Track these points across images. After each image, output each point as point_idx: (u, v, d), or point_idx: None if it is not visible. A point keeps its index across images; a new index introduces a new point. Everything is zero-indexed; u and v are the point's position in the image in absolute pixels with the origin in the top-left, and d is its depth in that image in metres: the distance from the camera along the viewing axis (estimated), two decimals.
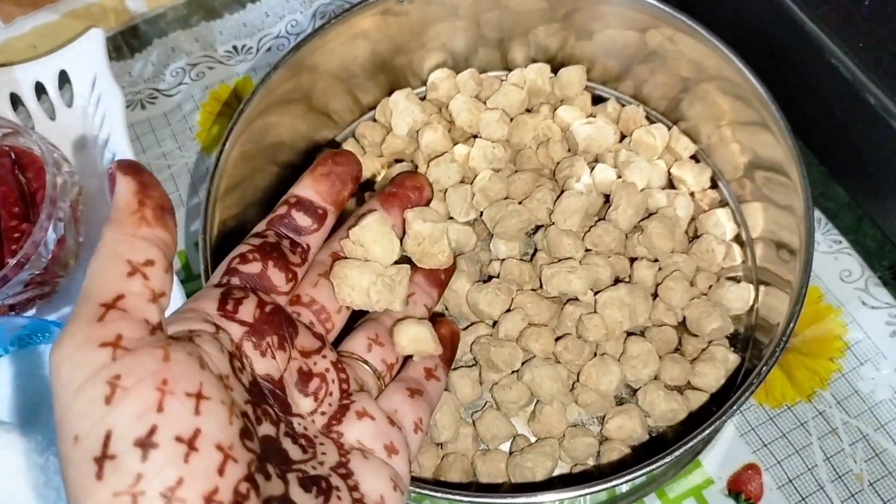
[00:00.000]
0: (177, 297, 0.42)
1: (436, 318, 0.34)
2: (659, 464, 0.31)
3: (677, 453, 0.32)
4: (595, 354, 0.41)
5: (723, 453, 0.40)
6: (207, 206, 0.40)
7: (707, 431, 0.32)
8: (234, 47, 0.55)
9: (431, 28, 0.48)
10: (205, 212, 0.40)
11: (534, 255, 0.45)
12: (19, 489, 0.38)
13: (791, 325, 0.34)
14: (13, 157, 0.47)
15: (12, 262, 0.42)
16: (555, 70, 0.49)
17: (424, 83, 0.50)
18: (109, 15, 0.55)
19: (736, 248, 0.44)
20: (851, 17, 0.40)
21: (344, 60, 0.47)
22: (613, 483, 0.31)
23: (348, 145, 0.49)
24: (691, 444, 0.32)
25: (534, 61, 0.50)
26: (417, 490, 0.32)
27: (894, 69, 0.39)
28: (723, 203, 0.46)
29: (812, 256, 0.35)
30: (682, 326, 0.42)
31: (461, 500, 0.32)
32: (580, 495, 0.31)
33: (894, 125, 0.39)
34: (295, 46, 0.44)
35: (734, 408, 0.32)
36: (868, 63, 0.40)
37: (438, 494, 0.32)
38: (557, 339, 0.41)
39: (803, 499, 0.39)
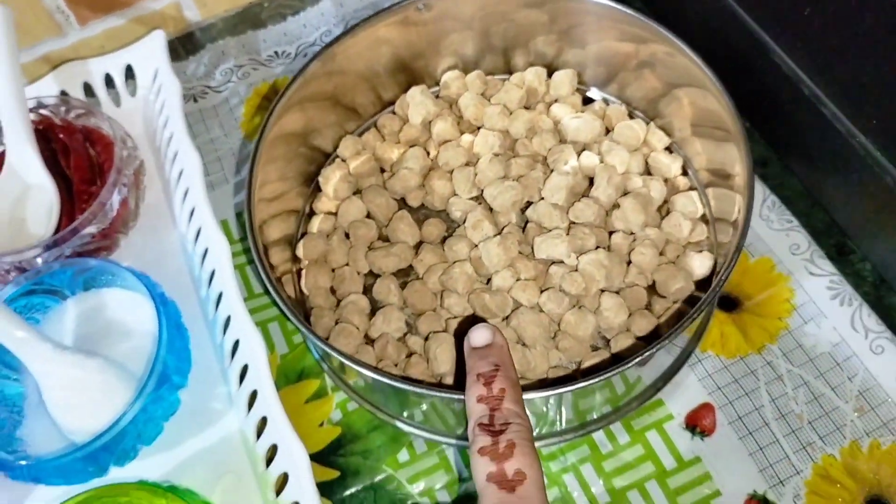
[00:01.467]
0: (224, 257, 0.49)
1: None
2: (605, 376, 0.38)
3: (621, 369, 0.38)
4: (574, 307, 0.48)
5: (682, 394, 0.47)
6: (252, 177, 0.47)
7: (647, 353, 0.39)
8: (276, 52, 0.64)
9: (446, 36, 0.56)
10: (249, 182, 0.47)
11: (525, 226, 0.52)
12: (93, 399, 0.45)
13: (723, 277, 0.41)
14: (85, 133, 0.55)
15: (83, 216, 0.50)
16: (551, 74, 0.57)
17: (438, 83, 0.58)
18: (169, 22, 0.64)
19: (702, 225, 0.51)
20: (797, 28, 0.47)
21: (369, 61, 0.55)
22: (575, 386, 0.38)
23: (370, 134, 0.57)
24: (634, 362, 0.39)
25: (532, 66, 0.57)
26: (424, 392, 0.39)
27: (833, 74, 0.46)
28: (692, 187, 0.53)
29: (748, 226, 0.42)
30: (652, 290, 0.49)
31: (445, 396, 0.39)
32: (547, 395, 0.38)
33: (836, 125, 0.46)
34: (327, 44, 0.52)
35: (670, 338, 0.39)
36: (810, 67, 0.48)
37: (435, 393, 0.39)
38: (542, 291, 0.48)
39: (750, 433, 0.45)
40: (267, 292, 0.53)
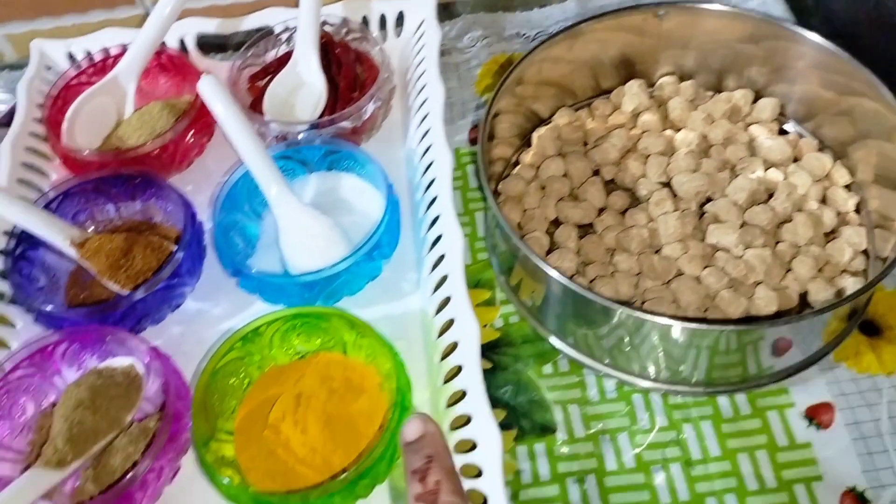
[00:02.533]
0: (446, 168, 0.58)
1: None
2: (744, 327, 0.45)
3: (759, 325, 0.45)
4: (731, 288, 0.54)
5: (808, 389, 0.52)
6: (485, 125, 0.57)
7: (788, 320, 0.45)
8: (517, 33, 0.74)
9: (672, 47, 0.64)
10: (486, 116, 0.57)
11: (701, 217, 0.58)
12: (318, 247, 0.55)
13: (866, 287, 0.46)
14: (356, 53, 0.67)
15: (344, 111, 0.61)
16: (756, 100, 0.64)
17: (652, 84, 0.66)
18: None
19: (862, 257, 0.56)
20: None
21: (597, 52, 0.64)
22: (716, 326, 0.44)
23: (583, 112, 0.66)
24: (777, 323, 0.45)
25: (741, 89, 0.64)
26: (600, 301, 0.47)
27: None
28: (862, 224, 0.58)
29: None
30: (803, 299, 0.54)
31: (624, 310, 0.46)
32: (696, 328, 0.45)
33: None
34: (564, 28, 0.61)
35: (817, 314, 0.45)
36: None
37: (611, 304, 0.46)
38: (705, 267, 0.54)
39: (864, 438, 0.49)
40: (483, 198, 0.62)
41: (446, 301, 0.52)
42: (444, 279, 0.53)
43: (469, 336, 0.49)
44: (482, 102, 0.69)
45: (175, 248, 0.56)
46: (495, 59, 0.72)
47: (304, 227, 0.56)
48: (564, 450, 0.51)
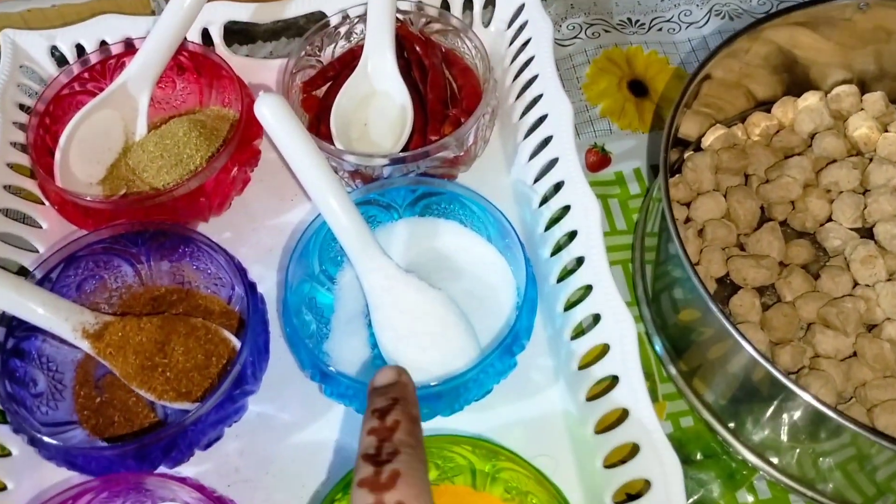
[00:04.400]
0: (593, 219, 0.43)
1: None
2: None
3: None
4: None
5: None
6: (665, 153, 0.43)
7: None
8: (629, 19, 0.59)
9: (859, 46, 0.50)
10: (665, 153, 0.43)
11: None
12: (427, 331, 0.40)
13: None
14: (443, 51, 0.51)
15: (442, 140, 0.45)
16: None
17: (825, 93, 0.51)
18: None
19: None
20: None
21: (768, 55, 0.49)
22: None
23: (738, 129, 0.51)
24: None
25: None
26: None
27: None
28: None
29: None
30: None
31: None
32: None
33: None
34: (746, 28, 0.46)
35: None
36: None
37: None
38: None
39: None
40: (640, 247, 0.48)
41: (620, 417, 0.38)
42: (613, 381, 0.39)
43: (671, 474, 0.35)
44: (597, 114, 0.54)
45: (227, 333, 0.41)
46: (608, 55, 0.57)
47: (405, 305, 0.41)
48: None
